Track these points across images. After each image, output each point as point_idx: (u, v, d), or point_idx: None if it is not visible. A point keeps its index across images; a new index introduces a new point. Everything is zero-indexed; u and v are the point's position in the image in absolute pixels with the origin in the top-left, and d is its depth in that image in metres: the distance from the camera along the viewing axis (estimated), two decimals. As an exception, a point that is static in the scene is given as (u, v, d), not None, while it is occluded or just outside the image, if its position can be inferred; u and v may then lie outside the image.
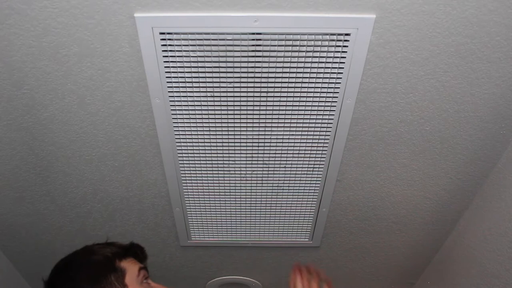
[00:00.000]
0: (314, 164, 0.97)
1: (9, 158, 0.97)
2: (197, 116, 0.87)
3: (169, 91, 0.83)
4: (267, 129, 0.90)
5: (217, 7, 0.71)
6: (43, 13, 0.71)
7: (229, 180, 1.02)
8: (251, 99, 0.84)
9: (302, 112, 0.87)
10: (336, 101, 0.85)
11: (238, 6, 0.71)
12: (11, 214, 1.13)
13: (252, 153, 0.95)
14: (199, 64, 0.78)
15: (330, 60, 0.78)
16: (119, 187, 1.07)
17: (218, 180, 1.02)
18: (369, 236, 1.25)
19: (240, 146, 0.93)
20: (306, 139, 0.92)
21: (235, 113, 0.87)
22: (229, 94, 0.83)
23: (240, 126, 0.89)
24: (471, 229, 1.13)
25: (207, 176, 1.01)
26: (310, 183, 1.02)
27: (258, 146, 0.93)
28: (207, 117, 0.87)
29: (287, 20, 0.72)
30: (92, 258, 0.73)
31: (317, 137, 0.91)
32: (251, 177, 1.01)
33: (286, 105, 0.86)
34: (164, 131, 0.90)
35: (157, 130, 0.92)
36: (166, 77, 0.80)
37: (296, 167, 0.98)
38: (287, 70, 0.79)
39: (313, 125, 0.89)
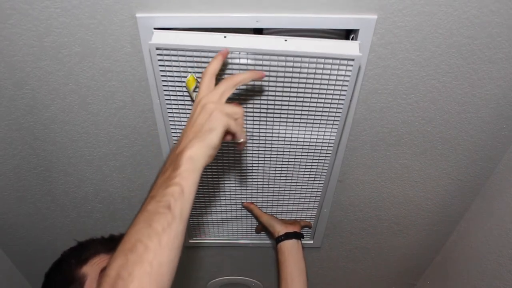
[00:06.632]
0: (317, 164, 0.97)
1: (10, 158, 0.98)
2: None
3: (169, 92, 0.82)
4: (268, 128, 0.90)
5: (218, 7, 0.71)
6: (45, 13, 0.71)
7: (230, 180, 1.02)
8: (252, 96, 0.84)
9: (306, 113, 0.87)
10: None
11: (239, 6, 0.71)
12: (12, 214, 1.13)
13: (253, 154, 0.95)
14: (201, 65, 0.78)
15: (332, 60, 0.78)
16: (120, 187, 1.07)
17: (219, 180, 1.02)
18: (370, 236, 1.25)
19: (241, 146, 0.93)
20: (310, 139, 0.91)
21: (236, 113, 0.87)
22: (230, 94, 0.83)
23: (241, 127, 0.89)
24: (472, 230, 1.13)
25: (207, 176, 1.01)
26: (312, 184, 1.02)
27: (259, 146, 0.93)
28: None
29: (288, 21, 0.72)
30: (56, 277, 0.74)
31: (321, 137, 0.91)
32: (252, 177, 1.01)
33: (288, 105, 0.85)
34: (165, 131, 0.90)
35: (159, 131, 0.92)
36: (168, 76, 0.80)
37: (299, 168, 0.98)
38: (290, 70, 0.79)
39: (318, 125, 0.89)
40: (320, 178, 1.00)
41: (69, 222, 1.17)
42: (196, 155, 0.55)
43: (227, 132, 0.60)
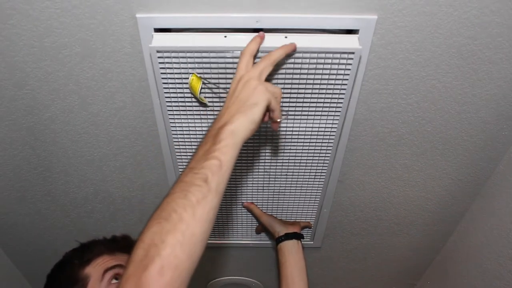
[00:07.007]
0: (317, 164, 0.97)
1: (11, 158, 0.98)
2: (196, 118, 0.87)
3: (169, 92, 0.82)
4: (268, 125, 0.90)
5: (218, 8, 0.71)
6: (45, 13, 0.71)
7: (230, 180, 1.02)
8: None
9: (307, 109, 0.86)
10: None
11: (239, 6, 0.71)
12: (13, 214, 1.13)
13: (253, 153, 0.95)
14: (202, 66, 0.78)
15: (332, 60, 0.78)
16: (120, 187, 1.07)
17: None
18: (370, 237, 1.25)
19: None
20: (310, 139, 0.91)
21: (236, 113, 0.87)
22: (230, 95, 0.83)
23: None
24: (472, 230, 1.13)
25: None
26: (313, 184, 1.02)
27: (259, 144, 0.93)
28: (206, 117, 0.87)
29: (289, 21, 0.72)
30: (59, 276, 0.74)
31: (321, 138, 0.91)
32: (253, 177, 1.01)
33: (289, 101, 0.85)
34: (165, 132, 0.90)
35: (159, 131, 0.92)
36: (168, 77, 0.80)
37: (299, 168, 0.98)
38: (291, 66, 0.79)
39: (317, 126, 0.89)
40: (320, 178, 1.00)
41: (69, 223, 1.17)
42: (238, 129, 0.56)
43: (266, 111, 0.61)
